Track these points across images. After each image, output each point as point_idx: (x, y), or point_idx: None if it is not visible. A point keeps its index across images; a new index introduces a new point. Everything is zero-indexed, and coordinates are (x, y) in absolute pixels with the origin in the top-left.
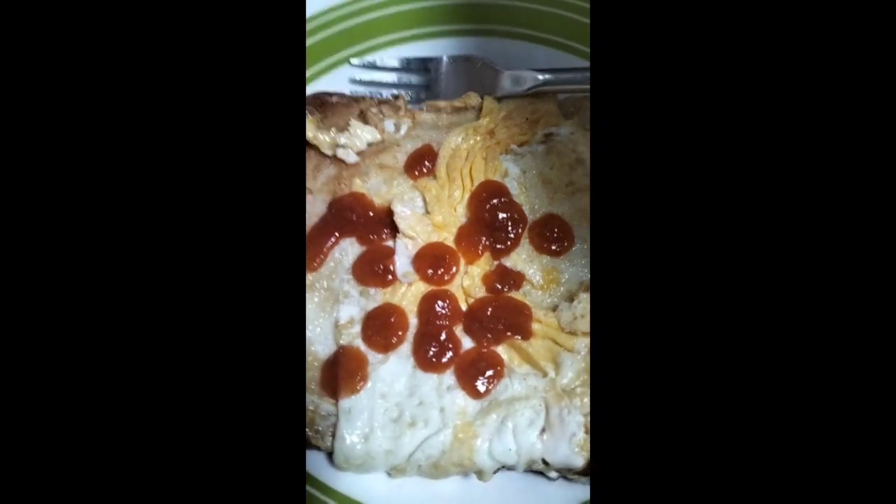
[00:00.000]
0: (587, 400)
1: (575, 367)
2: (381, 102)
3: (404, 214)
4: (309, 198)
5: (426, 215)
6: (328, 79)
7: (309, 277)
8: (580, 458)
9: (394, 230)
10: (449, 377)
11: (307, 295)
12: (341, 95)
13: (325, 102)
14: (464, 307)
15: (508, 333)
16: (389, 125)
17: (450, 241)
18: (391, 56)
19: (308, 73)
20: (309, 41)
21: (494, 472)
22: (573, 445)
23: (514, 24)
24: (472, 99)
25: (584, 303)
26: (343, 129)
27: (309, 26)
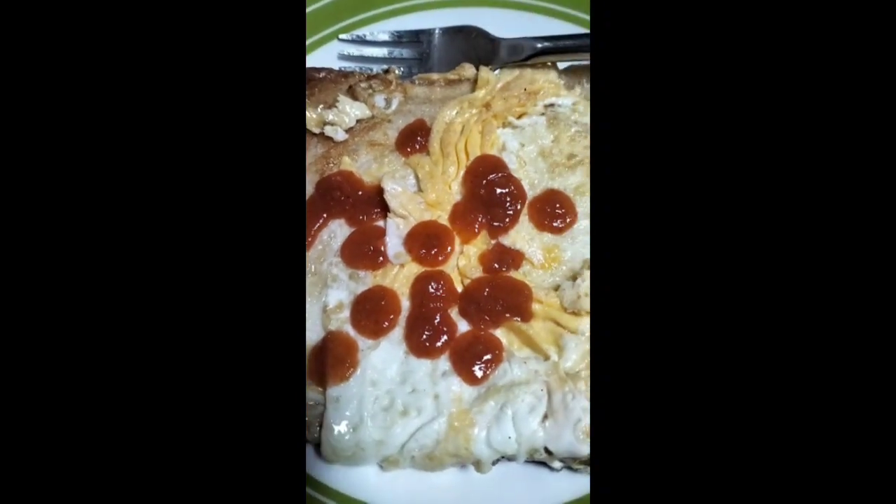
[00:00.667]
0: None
1: (579, 350)
2: (371, 77)
3: (395, 192)
4: None
5: (419, 193)
6: (316, 55)
7: None
8: (585, 446)
9: (384, 209)
10: (444, 362)
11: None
12: (329, 70)
13: (312, 78)
14: (459, 289)
15: (507, 315)
16: (380, 100)
17: (444, 219)
18: (381, 30)
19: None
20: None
21: (494, 463)
22: (578, 432)
23: None
24: (467, 71)
25: (587, 281)
26: (331, 105)
27: None
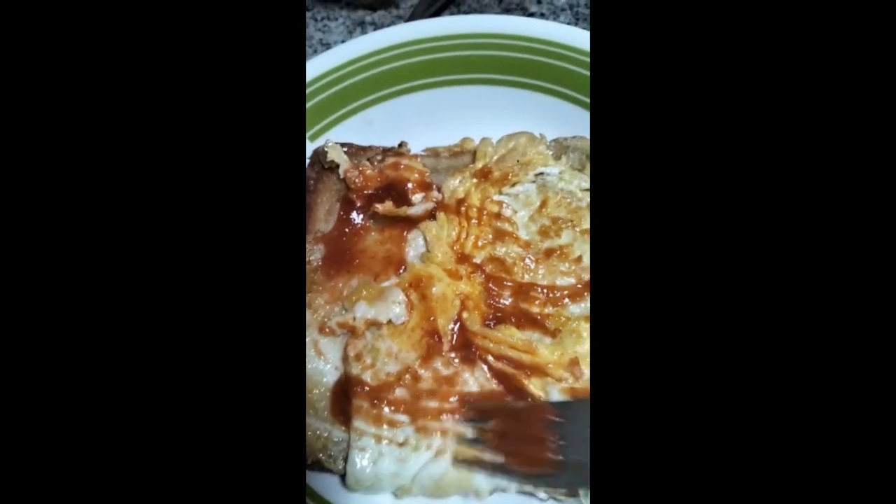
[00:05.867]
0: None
1: (563, 396)
2: (386, 150)
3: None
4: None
5: (426, 254)
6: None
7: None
8: None
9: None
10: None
11: (316, 333)
12: (351, 145)
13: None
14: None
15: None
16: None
17: (444, 276)
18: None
19: (322, 122)
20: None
21: (490, 494)
22: None
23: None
24: (469, 143)
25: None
26: None
27: (323, 81)
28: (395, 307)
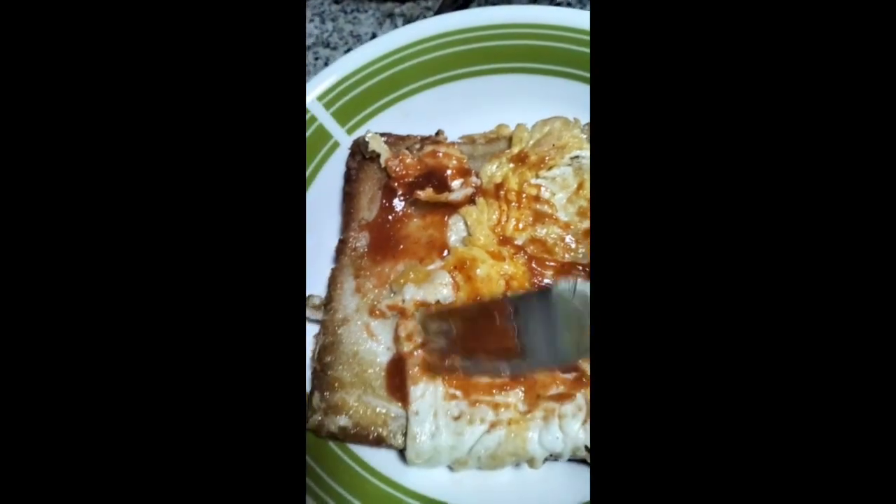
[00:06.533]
0: None
1: None
2: (424, 140)
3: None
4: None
5: (468, 238)
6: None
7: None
8: None
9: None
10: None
11: (367, 316)
12: (389, 135)
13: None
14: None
15: None
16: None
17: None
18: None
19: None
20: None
21: (544, 461)
22: None
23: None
24: (504, 130)
25: None
26: None
27: (362, 73)
28: (442, 289)
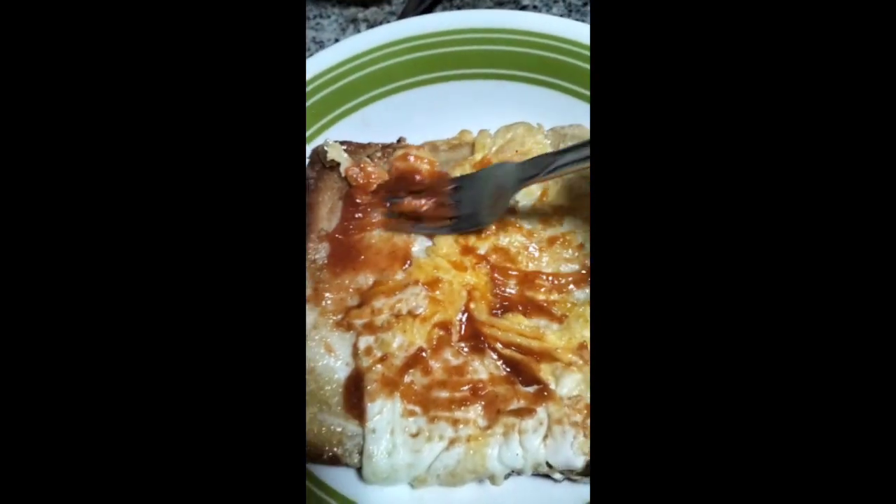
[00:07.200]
0: (582, 406)
1: (573, 379)
2: (385, 147)
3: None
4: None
5: (432, 248)
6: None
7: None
8: (580, 460)
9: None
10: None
11: (326, 330)
12: (350, 143)
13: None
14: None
15: None
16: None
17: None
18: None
19: (321, 122)
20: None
21: (506, 477)
22: (574, 448)
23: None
24: (467, 136)
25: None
26: None
27: (320, 80)
28: (412, 299)
